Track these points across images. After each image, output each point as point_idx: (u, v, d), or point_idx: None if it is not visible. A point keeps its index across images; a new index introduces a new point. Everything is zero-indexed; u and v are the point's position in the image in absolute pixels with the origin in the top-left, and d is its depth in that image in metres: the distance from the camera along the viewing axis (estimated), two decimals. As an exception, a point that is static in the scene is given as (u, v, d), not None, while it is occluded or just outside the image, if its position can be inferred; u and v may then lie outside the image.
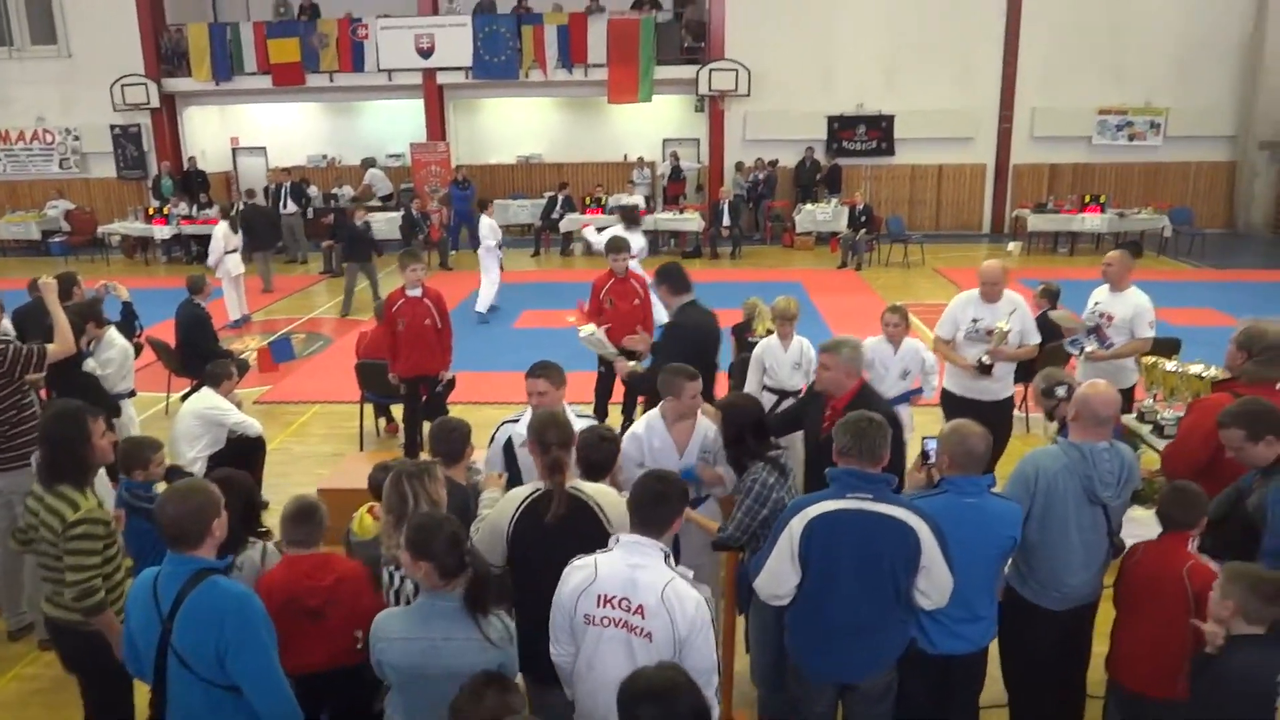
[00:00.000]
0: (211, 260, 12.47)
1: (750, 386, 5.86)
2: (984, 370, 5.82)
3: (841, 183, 18.56)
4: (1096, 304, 6.26)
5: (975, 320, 5.87)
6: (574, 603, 2.89)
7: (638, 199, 17.75)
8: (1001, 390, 5.95)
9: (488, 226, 12.70)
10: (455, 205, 17.52)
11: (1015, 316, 5.85)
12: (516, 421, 4.15)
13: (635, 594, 2.83)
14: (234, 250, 12.44)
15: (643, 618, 2.80)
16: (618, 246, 7.16)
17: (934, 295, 13.46)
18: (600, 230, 12.58)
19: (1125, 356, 6.11)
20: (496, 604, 2.91)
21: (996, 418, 5.57)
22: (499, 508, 3.41)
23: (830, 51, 18.41)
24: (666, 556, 2.90)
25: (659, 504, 2.92)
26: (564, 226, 17.42)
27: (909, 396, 5.88)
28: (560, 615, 2.94)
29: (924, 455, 3.60)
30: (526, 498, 3.33)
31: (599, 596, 2.86)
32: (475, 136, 20.90)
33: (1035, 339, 5.96)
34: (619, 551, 2.90)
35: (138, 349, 6.47)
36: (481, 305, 12.50)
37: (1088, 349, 6.11)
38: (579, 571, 2.92)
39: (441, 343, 7.07)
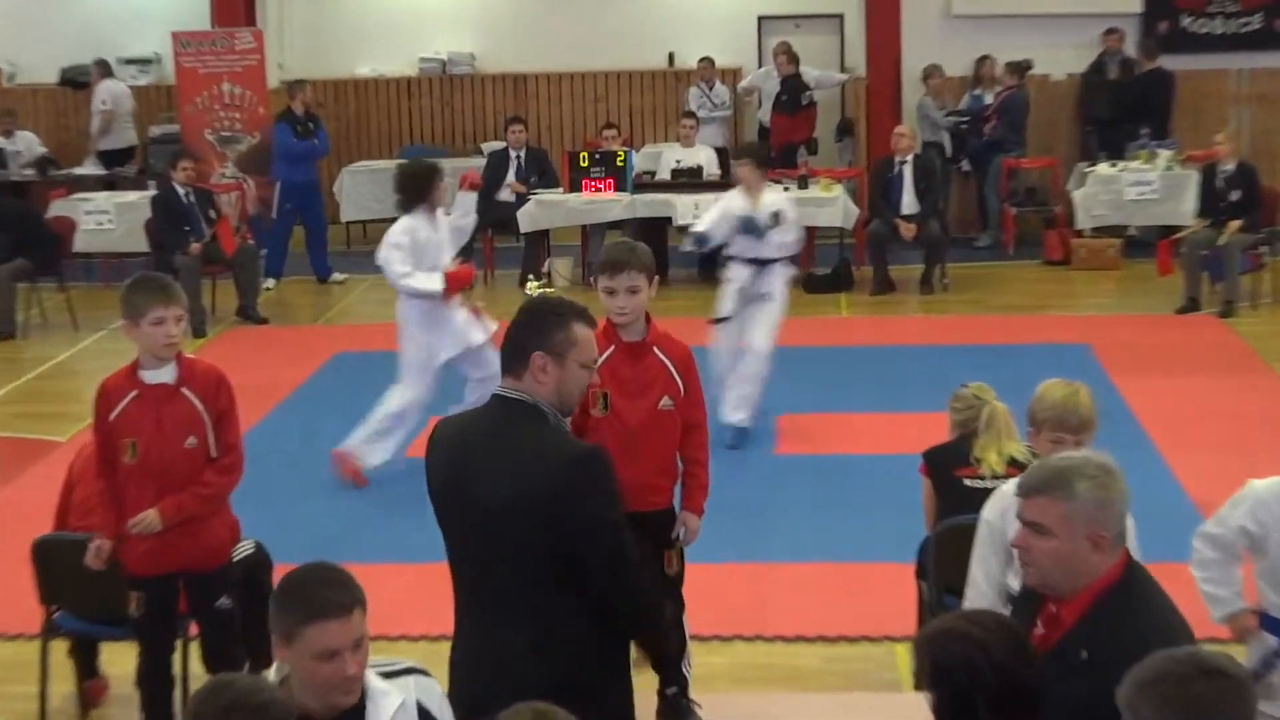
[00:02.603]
0: None
1: (981, 587, 5.96)
2: None
3: (1172, 111, 18.84)
4: None
5: None
6: None
7: (700, 155, 17.93)
8: None
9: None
10: (283, 173, 18.00)
11: None
12: None
13: None
14: None
15: None
16: (614, 262, 7.28)
17: None
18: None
19: None
20: None
21: None
22: None
23: None
24: None
25: None
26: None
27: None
28: None
29: None
30: None
31: None
32: (325, 20, 21.55)
33: None
34: None
35: None
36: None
37: None
38: None
39: (219, 490, 7.19)
